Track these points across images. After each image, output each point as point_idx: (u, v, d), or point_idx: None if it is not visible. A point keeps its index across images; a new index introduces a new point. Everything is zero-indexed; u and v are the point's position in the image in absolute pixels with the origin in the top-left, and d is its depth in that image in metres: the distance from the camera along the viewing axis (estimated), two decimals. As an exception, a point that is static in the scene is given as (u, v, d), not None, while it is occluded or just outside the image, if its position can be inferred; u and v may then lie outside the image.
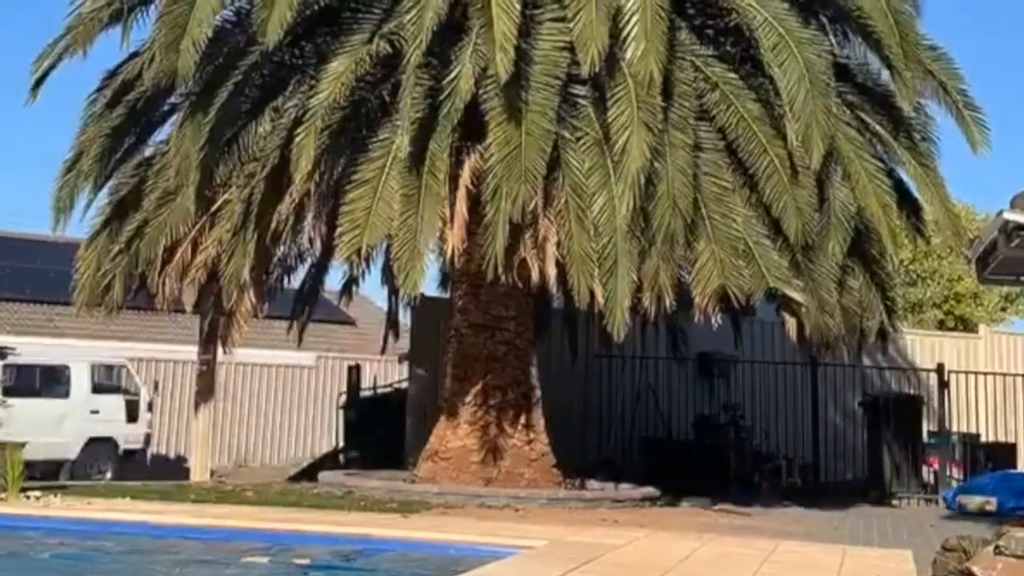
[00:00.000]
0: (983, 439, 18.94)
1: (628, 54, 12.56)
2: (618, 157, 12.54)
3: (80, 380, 19.84)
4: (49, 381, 19.71)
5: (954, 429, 18.59)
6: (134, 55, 14.84)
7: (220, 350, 17.02)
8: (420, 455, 15.21)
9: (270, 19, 12.27)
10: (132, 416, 20.46)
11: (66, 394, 19.58)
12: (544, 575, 8.21)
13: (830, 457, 19.45)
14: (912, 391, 19.36)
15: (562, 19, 12.78)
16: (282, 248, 14.97)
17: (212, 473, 17.49)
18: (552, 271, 12.90)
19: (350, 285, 17.71)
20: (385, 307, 18.64)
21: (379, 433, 18.45)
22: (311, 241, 15.30)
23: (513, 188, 12.24)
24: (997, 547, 9.72)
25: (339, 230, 12.88)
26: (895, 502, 17.54)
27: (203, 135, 13.53)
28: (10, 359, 18.60)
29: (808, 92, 12.96)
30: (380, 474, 15.49)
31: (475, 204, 12.74)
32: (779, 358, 18.89)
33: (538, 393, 15.00)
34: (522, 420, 14.78)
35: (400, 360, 20.70)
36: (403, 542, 10.57)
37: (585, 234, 12.74)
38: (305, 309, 18.09)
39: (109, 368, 20.90)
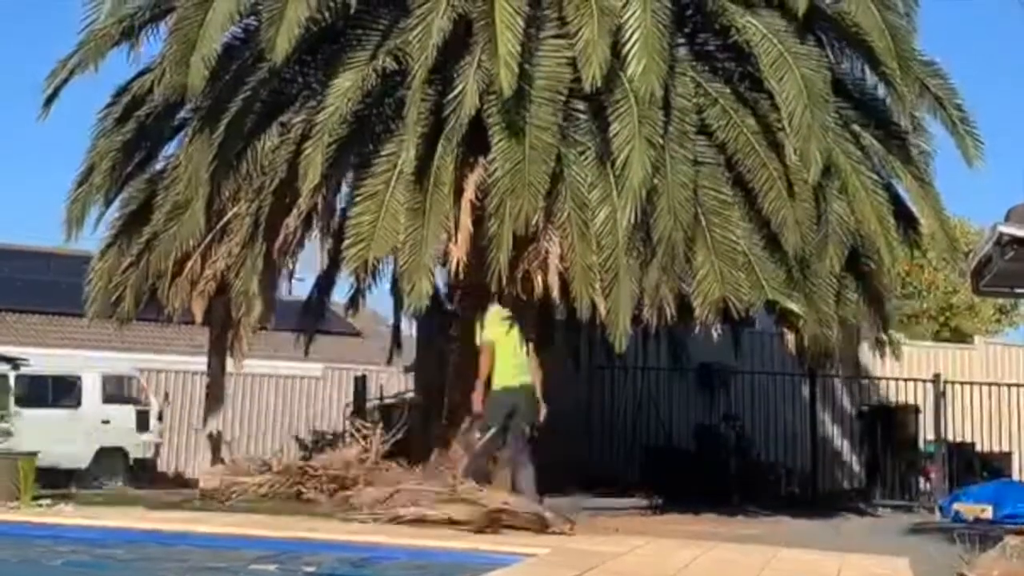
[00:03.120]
0: (978, 448, 19.11)
1: (629, 70, 12.64)
2: (620, 171, 12.63)
3: (91, 390, 19.97)
4: (61, 391, 19.85)
5: (950, 438, 18.73)
6: (145, 71, 15.05)
7: (229, 361, 17.17)
8: (425, 464, 15.31)
9: (278, 36, 12.40)
10: (143, 426, 20.59)
11: (77, 404, 19.72)
12: (546, 582, 8.38)
13: (828, 466, 19.63)
14: (909, 401, 19.47)
15: (564, 36, 12.88)
16: (290, 261, 15.11)
17: (221, 481, 17.61)
18: (555, 283, 13.00)
19: (356, 297, 17.86)
20: (391, 318, 18.81)
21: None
22: (318, 254, 15.47)
23: (517, 202, 12.37)
24: (993, 553, 9.91)
25: (345, 243, 13.03)
26: (892, 510, 17.64)
27: (212, 149, 13.70)
28: (22, 370, 18.76)
29: (806, 107, 13.09)
30: (386, 483, 15.59)
31: (479, 217, 12.86)
32: (778, 369, 19.05)
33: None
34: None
35: (405, 371, 20.83)
36: (409, 550, 10.67)
37: (587, 247, 12.85)
38: (312, 321, 18.27)
39: (120, 379, 21.04)
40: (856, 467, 19.96)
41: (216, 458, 17.58)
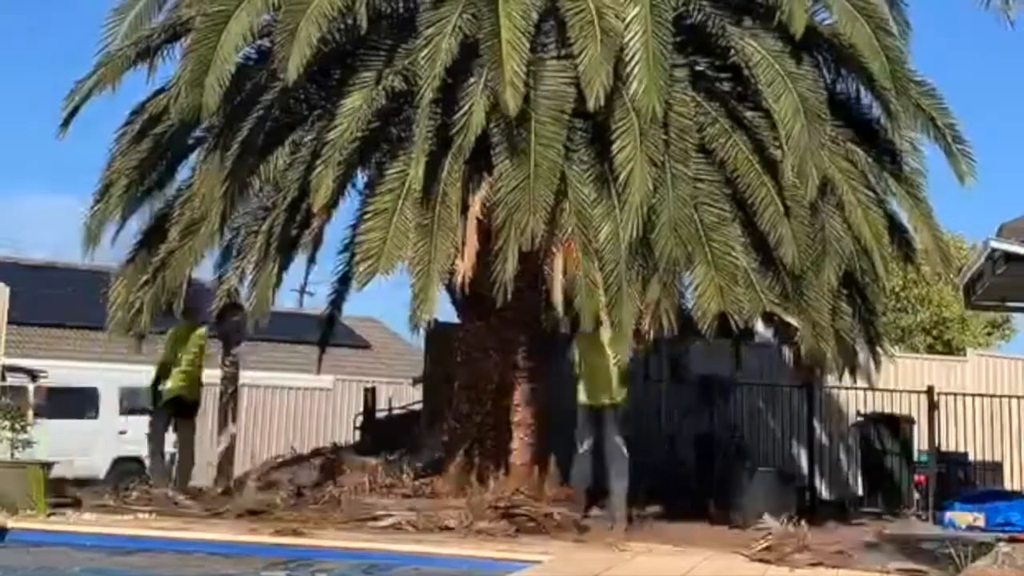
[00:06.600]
0: (971, 458, 19.30)
1: (631, 89, 12.85)
2: (622, 188, 12.83)
3: (109, 401, 20.27)
4: (79, 402, 20.15)
5: (943, 449, 18.90)
6: (160, 91, 15.30)
7: (242, 373, 17.45)
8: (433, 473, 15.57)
9: (291, 56, 12.61)
10: (158, 437, 20.84)
11: (95, 415, 20.01)
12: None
13: (824, 476, 19.85)
14: (903, 412, 19.63)
15: (568, 56, 13.10)
16: (302, 276, 15.36)
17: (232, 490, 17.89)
18: (559, 298, 13.22)
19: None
20: (399, 332, 19.14)
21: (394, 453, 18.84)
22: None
23: (522, 219, 12.60)
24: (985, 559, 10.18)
25: (355, 259, 13.32)
26: (887, 519, 17.80)
27: (226, 167, 13.96)
28: (41, 381, 19.08)
29: (803, 126, 13.29)
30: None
31: (485, 233, 13.08)
32: (776, 381, 19.26)
33: (546, 415, 15.34)
34: (531, 441, 15.17)
35: (414, 383, 21.09)
36: (419, 557, 10.94)
37: (591, 262, 13.04)
38: (324, 334, 18.58)
39: (137, 390, 21.31)
40: (852, 476, 20.13)
41: (229, 468, 17.85)
